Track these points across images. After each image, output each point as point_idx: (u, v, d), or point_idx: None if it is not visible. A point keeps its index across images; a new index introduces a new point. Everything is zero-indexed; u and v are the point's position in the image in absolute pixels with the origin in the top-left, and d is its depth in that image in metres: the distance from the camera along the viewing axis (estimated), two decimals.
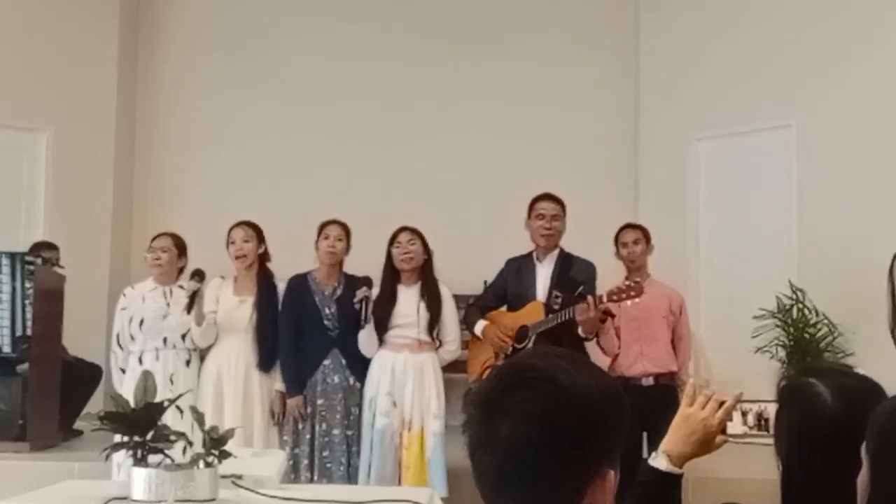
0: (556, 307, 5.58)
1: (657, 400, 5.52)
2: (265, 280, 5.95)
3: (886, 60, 6.82)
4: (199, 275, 5.68)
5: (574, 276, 5.71)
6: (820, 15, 7.19)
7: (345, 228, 5.96)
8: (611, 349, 5.94)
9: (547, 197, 5.93)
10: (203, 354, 5.90)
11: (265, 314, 5.84)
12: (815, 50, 7.17)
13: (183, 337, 5.78)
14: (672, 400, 5.38)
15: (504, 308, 5.97)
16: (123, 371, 5.83)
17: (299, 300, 5.87)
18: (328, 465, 5.68)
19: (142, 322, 5.78)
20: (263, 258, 5.99)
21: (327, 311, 5.85)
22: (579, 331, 5.46)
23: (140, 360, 5.75)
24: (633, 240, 6.06)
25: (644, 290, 5.38)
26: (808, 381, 1.98)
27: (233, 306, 5.85)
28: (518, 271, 5.94)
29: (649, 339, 5.97)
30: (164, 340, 5.76)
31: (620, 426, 1.45)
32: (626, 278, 5.77)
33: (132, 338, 5.80)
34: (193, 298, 5.63)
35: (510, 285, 5.96)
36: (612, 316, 5.56)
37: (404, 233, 5.87)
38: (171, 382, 5.52)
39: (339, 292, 5.89)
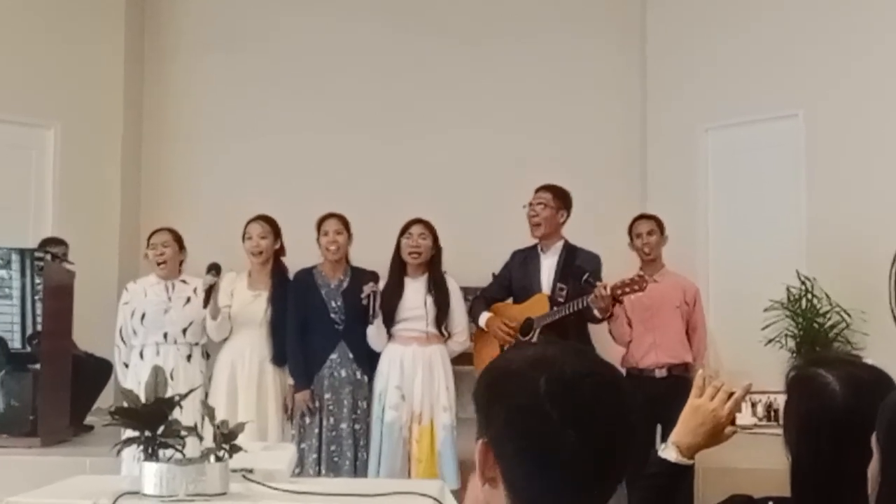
0: (561, 300, 5.59)
1: (671, 391, 5.50)
2: (280, 274, 5.96)
3: (893, 49, 6.80)
4: (215, 269, 5.68)
5: (579, 264, 5.71)
6: (827, 4, 7.17)
7: (342, 220, 5.94)
8: (621, 337, 5.94)
9: (540, 187, 5.95)
10: (216, 348, 5.91)
11: (280, 308, 5.84)
12: (822, 39, 7.15)
13: (184, 332, 5.78)
14: (686, 391, 5.36)
15: (510, 300, 5.97)
16: (127, 366, 5.85)
17: (305, 294, 5.87)
18: (336, 459, 5.68)
19: (143, 316, 5.79)
20: (279, 253, 6.00)
21: (334, 304, 5.85)
22: (595, 312, 5.46)
23: (141, 355, 5.76)
24: (648, 231, 6.05)
25: (648, 283, 5.38)
26: (817, 371, 1.98)
27: (247, 300, 5.86)
28: (523, 263, 5.94)
29: (662, 329, 5.96)
30: (165, 335, 5.77)
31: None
32: (641, 269, 5.78)
33: (134, 332, 5.81)
34: (210, 292, 5.63)
35: (515, 277, 5.96)
36: (620, 302, 5.56)
37: (417, 225, 5.86)
38: (171, 378, 5.48)
39: (345, 285, 5.89)
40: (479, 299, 6.09)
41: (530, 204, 5.89)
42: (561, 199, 5.90)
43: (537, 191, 5.94)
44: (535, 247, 5.96)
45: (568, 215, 5.94)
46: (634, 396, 1.43)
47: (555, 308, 5.59)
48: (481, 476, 1.39)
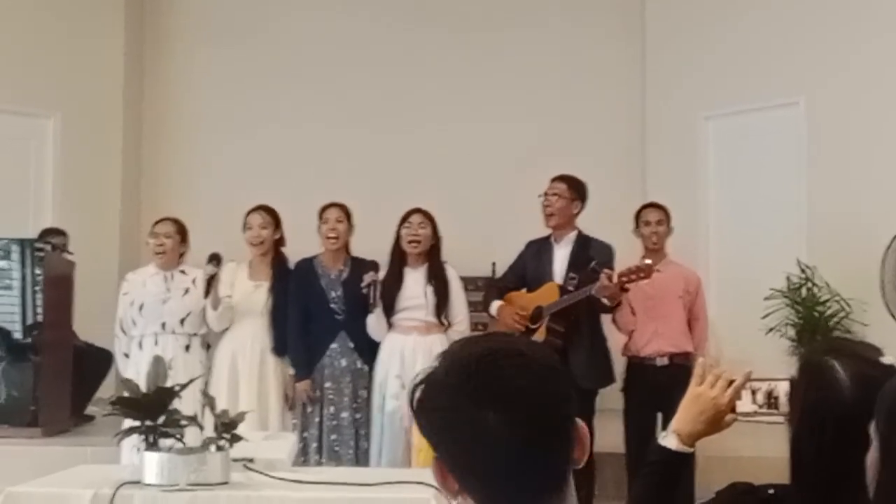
0: (572, 288, 5.60)
1: (672, 380, 5.51)
2: (280, 265, 5.96)
3: (894, 37, 6.78)
4: (216, 259, 5.68)
5: (591, 255, 5.72)
6: None
7: (344, 210, 5.95)
8: (626, 326, 5.94)
9: (556, 177, 5.94)
10: (217, 339, 5.91)
11: (280, 299, 5.84)
12: (822, 27, 7.13)
13: (182, 322, 5.78)
14: (687, 380, 5.36)
15: (524, 290, 5.98)
16: (127, 356, 5.85)
17: (306, 284, 5.88)
18: (337, 448, 5.69)
19: (142, 306, 5.79)
20: (279, 243, 6.00)
21: (334, 294, 5.86)
22: (604, 300, 5.47)
23: (140, 345, 5.76)
24: (657, 220, 6.05)
25: (653, 271, 5.38)
26: (830, 362, 1.94)
27: (248, 290, 5.85)
28: (537, 253, 5.95)
29: (664, 318, 5.96)
30: (163, 325, 5.76)
31: None
32: (644, 257, 5.78)
33: (133, 322, 5.81)
34: (211, 282, 5.63)
35: (529, 267, 5.96)
36: (626, 290, 5.57)
37: (416, 215, 5.86)
38: (170, 368, 5.48)
39: (345, 275, 5.89)
40: (492, 288, 6.12)
41: (545, 194, 5.87)
42: (576, 189, 5.89)
43: (553, 181, 5.92)
44: (548, 237, 5.96)
45: (583, 206, 5.93)
46: (552, 364, 1.42)
47: (564, 296, 5.60)
48: (446, 494, 1.40)
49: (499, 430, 1.35)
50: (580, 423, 1.44)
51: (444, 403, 1.38)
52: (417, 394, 1.43)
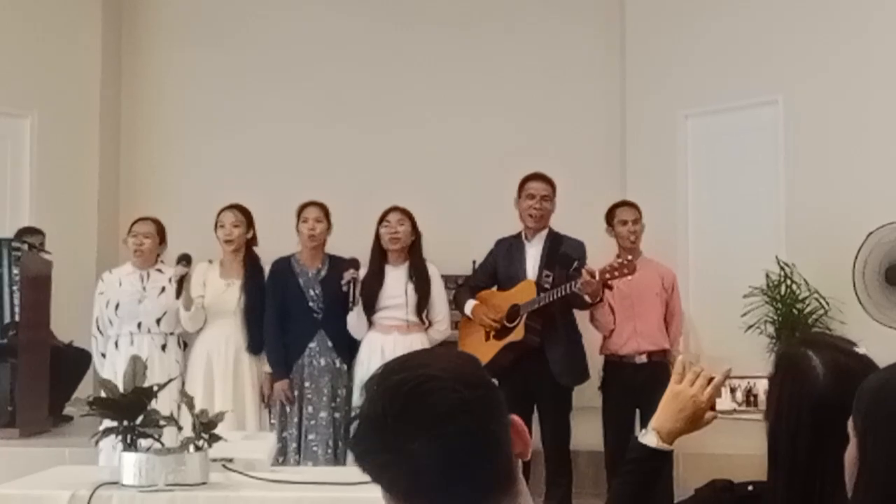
0: (548, 286, 5.59)
1: (650, 377, 5.55)
2: (252, 263, 5.94)
3: (873, 36, 6.82)
4: (185, 259, 5.66)
5: (566, 252, 5.71)
6: None
7: (323, 209, 5.94)
8: (605, 325, 5.94)
9: (537, 177, 5.91)
10: (192, 338, 5.89)
11: (253, 296, 5.83)
12: (801, 25, 7.16)
13: (158, 321, 5.76)
14: (665, 377, 5.36)
15: (495, 288, 5.97)
16: (104, 356, 5.83)
17: (283, 283, 5.86)
18: (315, 447, 5.67)
19: (117, 306, 5.76)
20: (251, 242, 5.98)
21: (312, 292, 5.84)
22: (586, 297, 5.45)
23: (116, 345, 5.74)
24: (633, 219, 6.06)
25: (637, 267, 5.39)
26: (806, 353, 1.95)
27: (220, 289, 5.84)
28: (508, 252, 5.93)
29: (642, 316, 5.97)
30: (139, 325, 5.74)
31: None
32: (618, 256, 5.78)
33: (110, 322, 5.79)
34: (182, 283, 5.61)
35: (500, 265, 5.95)
36: (610, 287, 5.56)
37: (394, 213, 5.86)
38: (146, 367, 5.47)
39: (323, 273, 5.88)
40: (463, 287, 6.09)
41: (531, 196, 5.83)
42: (554, 188, 5.91)
43: (534, 181, 5.88)
44: (519, 235, 5.95)
45: None
46: (472, 377, 1.41)
47: (541, 294, 5.58)
48: None
49: (431, 458, 1.35)
50: (514, 419, 1.44)
51: (375, 444, 1.40)
52: (352, 435, 1.45)
